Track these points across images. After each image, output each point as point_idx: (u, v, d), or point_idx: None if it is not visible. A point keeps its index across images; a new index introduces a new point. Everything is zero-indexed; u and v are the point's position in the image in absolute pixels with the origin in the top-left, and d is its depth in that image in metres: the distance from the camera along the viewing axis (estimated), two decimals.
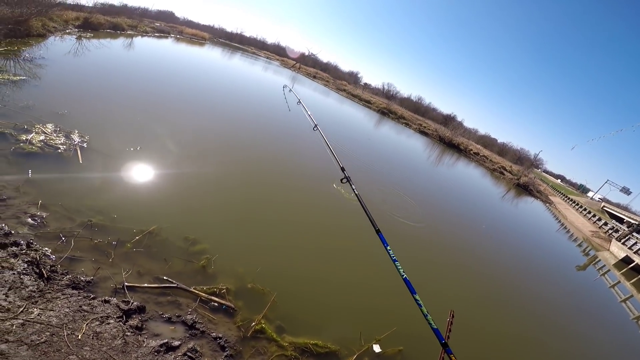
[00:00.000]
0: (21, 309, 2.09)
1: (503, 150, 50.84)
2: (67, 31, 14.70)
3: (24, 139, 3.76)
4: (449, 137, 30.77)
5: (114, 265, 2.71)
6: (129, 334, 2.19)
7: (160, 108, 7.00)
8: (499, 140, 55.39)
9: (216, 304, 2.73)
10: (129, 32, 20.92)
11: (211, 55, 25.39)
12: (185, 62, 17.44)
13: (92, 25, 17.44)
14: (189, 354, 2.18)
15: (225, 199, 4.26)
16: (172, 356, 2.13)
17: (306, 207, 5.08)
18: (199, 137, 6.18)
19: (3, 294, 2.12)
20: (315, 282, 3.48)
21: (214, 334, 2.44)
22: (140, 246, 2.95)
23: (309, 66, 41.50)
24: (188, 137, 5.88)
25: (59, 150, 3.82)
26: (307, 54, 48.38)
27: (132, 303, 2.40)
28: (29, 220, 2.80)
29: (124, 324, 2.24)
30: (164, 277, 2.76)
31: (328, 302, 3.22)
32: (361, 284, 3.76)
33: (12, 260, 2.43)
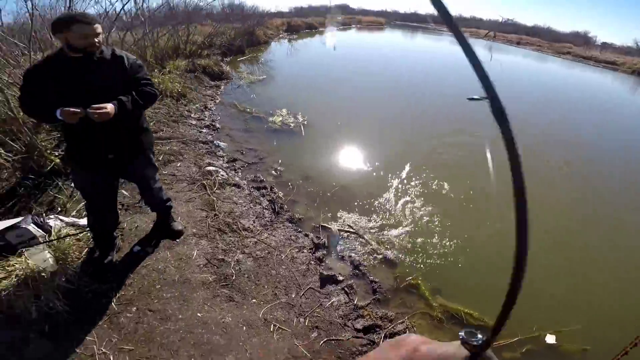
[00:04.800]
0: (258, 232, 2.99)
1: None
2: (280, 36, 18.32)
3: (271, 120, 5.64)
4: None
5: (317, 209, 3.54)
6: (312, 263, 2.73)
7: (358, 91, 8.21)
8: None
9: (381, 255, 3.01)
10: (320, 29, 23.79)
11: (392, 38, 26.04)
12: (371, 47, 18.56)
13: (294, 28, 20.64)
14: (346, 289, 2.54)
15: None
16: (333, 287, 2.56)
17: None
18: (400, 114, 6.85)
19: (252, 220, 3.13)
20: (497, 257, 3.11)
21: (371, 277, 2.71)
22: (336, 196, 3.78)
23: (508, 32, 34.90)
24: (386, 114, 6.72)
25: (291, 127, 5.49)
26: (500, 21, 42.05)
27: (322, 239, 3.03)
28: (273, 172, 4.20)
29: (312, 255, 2.83)
30: (347, 223, 3.38)
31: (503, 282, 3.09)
32: (559, 267, 3.16)
33: (261, 198, 3.55)
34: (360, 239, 3.20)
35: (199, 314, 2.13)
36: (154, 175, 2.36)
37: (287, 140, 5.10)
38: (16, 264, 2.03)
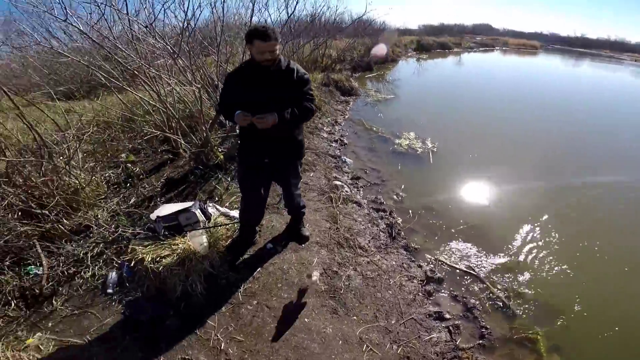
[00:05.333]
0: (372, 253, 2.98)
1: None
2: (408, 55, 18.02)
3: (397, 142, 5.58)
4: None
5: (436, 242, 3.33)
6: (420, 294, 2.64)
7: (497, 120, 7.51)
8: None
9: (501, 303, 2.72)
10: (455, 50, 22.44)
11: (547, 63, 23.16)
12: (521, 73, 16.75)
13: (424, 47, 19.96)
14: (450, 327, 2.37)
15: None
16: (437, 323, 2.41)
17: None
18: (544, 150, 6.00)
19: (367, 240, 3.12)
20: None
21: (482, 322, 2.48)
22: (461, 234, 3.47)
23: None
24: (528, 150, 5.96)
25: (417, 152, 5.32)
26: None
27: (436, 274, 2.85)
28: (394, 197, 4.11)
29: (421, 287, 2.73)
30: (469, 265, 3.08)
31: None
32: None
33: (379, 220, 3.51)
34: (480, 283, 2.93)
35: (305, 319, 2.23)
36: (297, 183, 2.60)
37: (412, 166, 4.95)
38: (180, 243, 2.43)
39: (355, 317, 2.31)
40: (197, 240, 2.47)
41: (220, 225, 2.68)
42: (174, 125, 3.80)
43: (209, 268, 2.40)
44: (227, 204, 3.12)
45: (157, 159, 3.96)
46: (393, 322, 2.33)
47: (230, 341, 2.07)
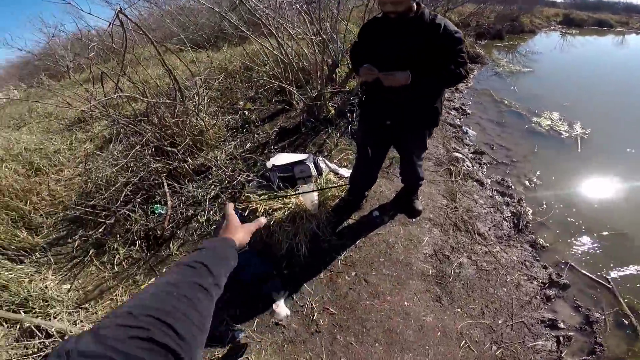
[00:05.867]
0: (491, 243, 2.57)
1: None
2: (551, 27, 15.14)
3: (535, 120, 4.57)
4: None
5: (569, 244, 2.71)
6: (537, 298, 2.27)
7: None
8: None
9: (627, 322, 2.21)
10: (618, 29, 18.11)
11: None
12: None
13: (573, 21, 16.84)
14: (560, 338, 2.04)
15: None
16: (546, 331, 2.06)
17: None
18: None
19: (488, 227, 2.68)
20: None
21: (599, 339, 2.08)
22: (604, 241, 2.74)
23: None
24: None
25: (562, 136, 4.27)
26: None
27: (562, 279, 2.39)
28: (526, 182, 3.38)
29: (541, 290, 2.33)
30: (604, 275, 2.51)
31: None
32: None
33: (504, 207, 3.01)
34: (612, 297, 2.39)
35: (405, 303, 2.05)
36: (420, 154, 2.27)
37: (553, 151, 4.00)
38: (293, 197, 2.32)
39: (459, 310, 2.08)
40: (309, 197, 2.34)
41: (333, 187, 2.50)
42: (290, 76, 3.73)
43: (315, 228, 2.27)
44: (335, 161, 2.94)
45: (271, 108, 4.00)
46: (500, 322, 2.08)
47: (322, 312, 1.99)
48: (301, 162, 2.46)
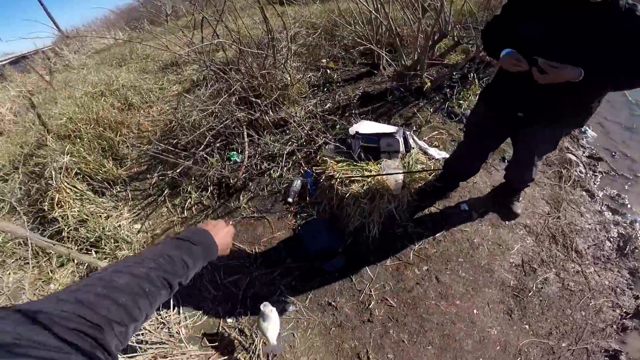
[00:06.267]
0: (586, 263, 2.21)
1: None
2: None
3: None
4: None
5: None
6: (613, 327, 2.03)
7: None
8: None
9: None
10: None
11: None
12: None
13: None
14: None
15: None
16: None
17: None
18: None
19: (587, 245, 2.29)
20: None
21: None
22: None
23: None
24: None
25: None
26: None
27: None
28: None
29: (620, 319, 2.08)
30: None
31: None
32: None
33: (612, 226, 2.51)
34: None
35: (474, 311, 1.87)
36: (544, 155, 1.91)
37: None
38: (373, 171, 2.08)
39: (527, 326, 1.90)
40: (393, 178, 2.10)
41: (424, 171, 2.20)
42: (381, 39, 3.39)
43: (393, 210, 2.04)
44: (425, 138, 2.62)
45: (354, 70, 3.73)
46: (563, 345, 1.90)
47: (380, 302, 1.87)
48: (389, 134, 2.20)
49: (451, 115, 2.85)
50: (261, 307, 1.63)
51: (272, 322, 1.57)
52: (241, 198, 2.40)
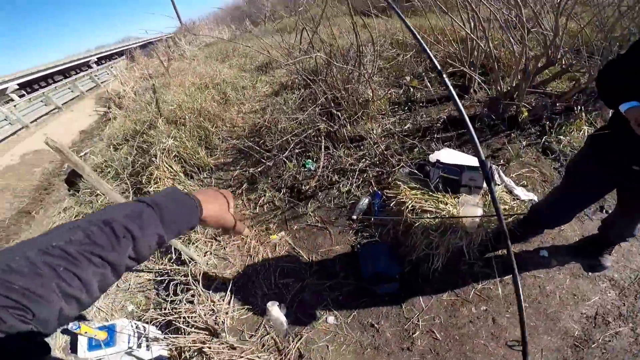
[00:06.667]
0: None
1: None
2: None
3: None
4: None
5: None
6: None
7: None
8: None
9: None
10: None
11: None
12: None
13: None
14: None
15: None
16: None
17: None
18: None
19: None
20: None
21: None
22: None
23: None
24: None
25: None
26: None
27: None
28: None
29: None
30: None
31: None
32: None
33: None
34: None
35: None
36: None
37: None
38: (449, 205, 1.98)
39: None
40: (470, 211, 1.98)
41: (507, 214, 2.03)
42: (474, 61, 3.20)
43: (463, 246, 1.94)
44: (513, 175, 2.42)
45: (439, 91, 3.58)
46: None
47: (425, 333, 1.82)
48: (474, 168, 2.07)
49: (547, 152, 2.58)
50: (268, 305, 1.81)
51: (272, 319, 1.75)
52: (309, 205, 2.52)
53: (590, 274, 2.00)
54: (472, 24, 2.94)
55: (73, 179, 3.57)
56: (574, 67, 2.85)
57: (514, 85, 2.85)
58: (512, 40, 2.80)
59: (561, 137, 2.63)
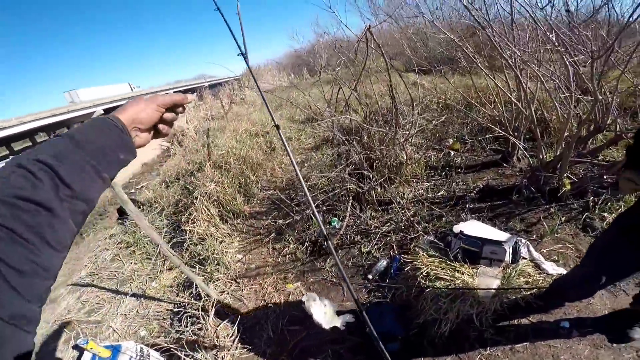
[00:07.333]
0: None
1: None
2: None
3: None
4: None
5: None
6: None
7: None
8: None
9: None
10: None
11: None
12: None
13: None
14: None
15: None
16: None
17: None
18: None
19: None
20: None
21: None
22: None
23: None
24: None
25: None
26: None
27: None
28: None
29: None
30: None
31: None
32: None
33: None
34: None
35: None
36: None
37: None
38: (465, 275, 1.92)
39: None
40: (486, 282, 1.91)
41: (525, 289, 1.91)
42: (520, 126, 3.09)
43: (474, 315, 1.83)
44: (544, 250, 2.23)
45: (482, 156, 3.48)
46: None
47: None
48: (497, 242, 2.00)
49: (587, 229, 2.35)
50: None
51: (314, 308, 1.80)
52: (328, 261, 2.56)
53: (614, 345, 1.76)
54: (521, 92, 2.87)
55: (123, 210, 4.00)
56: (629, 132, 2.62)
57: (557, 154, 2.70)
58: (556, 104, 2.69)
59: (605, 214, 2.38)
